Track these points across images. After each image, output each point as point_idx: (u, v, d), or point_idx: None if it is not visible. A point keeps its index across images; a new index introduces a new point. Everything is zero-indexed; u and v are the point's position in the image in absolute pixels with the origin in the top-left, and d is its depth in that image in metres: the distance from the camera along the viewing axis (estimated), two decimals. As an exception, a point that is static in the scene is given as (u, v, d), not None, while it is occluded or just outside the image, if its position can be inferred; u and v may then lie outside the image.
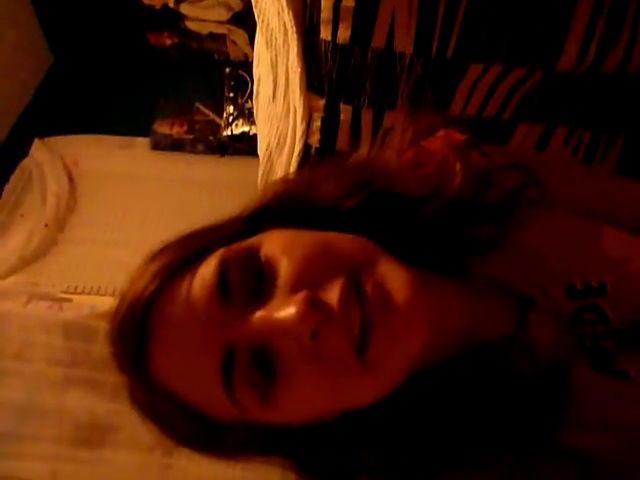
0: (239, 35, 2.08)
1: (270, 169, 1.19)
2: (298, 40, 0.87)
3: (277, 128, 1.08)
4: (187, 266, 0.41)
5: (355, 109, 0.91)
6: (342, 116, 0.93)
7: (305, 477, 0.45)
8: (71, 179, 2.02)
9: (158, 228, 1.92)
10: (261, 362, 0.38)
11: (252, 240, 0.42)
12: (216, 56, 2.28)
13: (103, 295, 1.69)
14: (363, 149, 0.54)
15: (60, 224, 1.91)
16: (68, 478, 1.45)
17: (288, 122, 1.03)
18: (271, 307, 0.38)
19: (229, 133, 1.83)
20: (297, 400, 0.39)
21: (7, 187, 1.97)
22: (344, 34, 0.82)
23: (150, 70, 2.22)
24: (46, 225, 1.87)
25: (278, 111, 1.05)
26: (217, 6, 2.06)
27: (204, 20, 2.10)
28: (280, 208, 0.46)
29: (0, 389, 1.60)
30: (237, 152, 1.88)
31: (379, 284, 0.37)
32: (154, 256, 0.44)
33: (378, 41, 0.81)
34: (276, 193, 0.48)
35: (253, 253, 0.40)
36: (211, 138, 1.91)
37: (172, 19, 2.19)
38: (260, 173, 1.22)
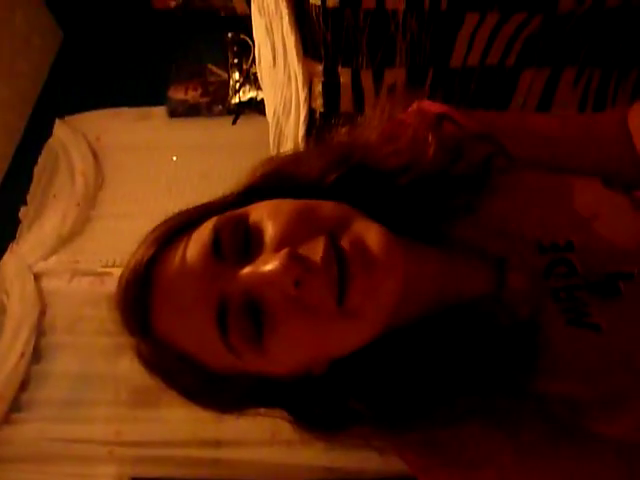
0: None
1: (280, 134, 1.19)
2: (288, 7, 0.85)
3: (281, 94, 1.07)
4: (181, 233, 0.45)
5: (354, 71, 0.90)
6: (342, 79, 0.92)
7: (299, 427, 0.49)
8: (95, 155, 2.06)
9: (184, 194, 1.96)
10: (251, 311, 0.41)
11: (242, 209, 0.46)
12: (222, 12, 2.22)
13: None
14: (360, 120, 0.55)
15: (90, 201, 1.98)
16: (131, 436, 1.58)
17: (291, 88, 1.02)
18: (257, 262, 0.42)
19: (237, 100, 1.82)
20: (284, 345, 0.42)
21: (36, 169, 2.03)
22: (333, -2, 0.79)
23: (158, 35, 2.20)
24: (78, 204, 1.94)
25: (280, 77, 1.04)
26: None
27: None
28: (268, 186, 0.49)
29: (56, 361, 1.73)
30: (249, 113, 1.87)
31: (355, 241, 0.41)
32: (153, 229, 0.48)
33: (369, 1, 0.79)
34: (264, 172, 0.51)
35: (243, 219, 0.44)
36: (220, 107, 1.90)
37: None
38: (271, 138, 1.22)
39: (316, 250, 0.41)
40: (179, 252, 0.43)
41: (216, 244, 0.43)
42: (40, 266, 1.82)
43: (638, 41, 0.80)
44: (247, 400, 0.50)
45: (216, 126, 2.05)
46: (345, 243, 0.41)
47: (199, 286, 0.42)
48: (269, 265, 0.40)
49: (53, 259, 1.84)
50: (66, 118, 2.12)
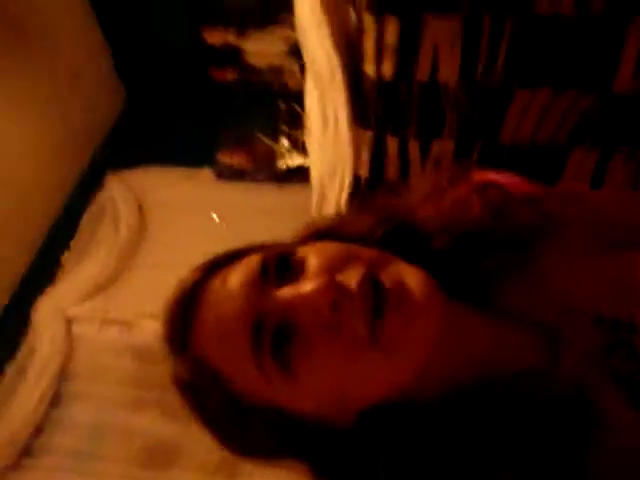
0: (297, 66, 2.13)
1: (323, 198, 1.21)
2: (344, 80, 0.89)
3: (328, 160, 1.10)
4: (228, 262, 0.48)
5: (402, 141, 0.92)
6: (389, 148, 0.94)
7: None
8: (141, 209, 2.14)
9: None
10: (285, 332, 0.42)
11: (290, 245, 0.49)
12: (276, 87, 2.35)
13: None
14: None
15: (131, 252, 2.02)
16: (137, 497, 1.52)
17: (337, 155, 1.05)
18: (297, 284, 0.44)
19: (284, 167, 1.88)
20: (313, 369, 0.42)
21: (84, 218, 2.11)
22: (388, 71, 0.83)
23: (214, 103, 2.33)
24: (118, 253, 1.98)
25: (328, 144, 1.07)
26: (276, 40, 2.14)
27: (263, 54, 2.18)
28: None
29: (74, 410, 1.71)
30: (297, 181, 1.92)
31: (396, 278, 0.42)
32: (205, 260, 0.51)
33: (422, 74, 0.82)
34: (306, 234, 0.53)
35: (290, 253, 0.46)
36: (265, 174, 1.97)
37: (233, 55, 2.29)
38: (314, 203, 1.24)
39: (354, 277, 0.42)
40: (226, 276, 0.46)
41: (263, 270, 0.45)
42: (73, 311, 1.84)
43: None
44: (269, 441, 0.48)
45: (260, 191, 2.11)
46: (385, 278, 0.42)
47: (240, 304, 0.43)
48: (307, 286, 0.42)
49: (86, 305, 1.86)
50: (117, 173, 2.23)
